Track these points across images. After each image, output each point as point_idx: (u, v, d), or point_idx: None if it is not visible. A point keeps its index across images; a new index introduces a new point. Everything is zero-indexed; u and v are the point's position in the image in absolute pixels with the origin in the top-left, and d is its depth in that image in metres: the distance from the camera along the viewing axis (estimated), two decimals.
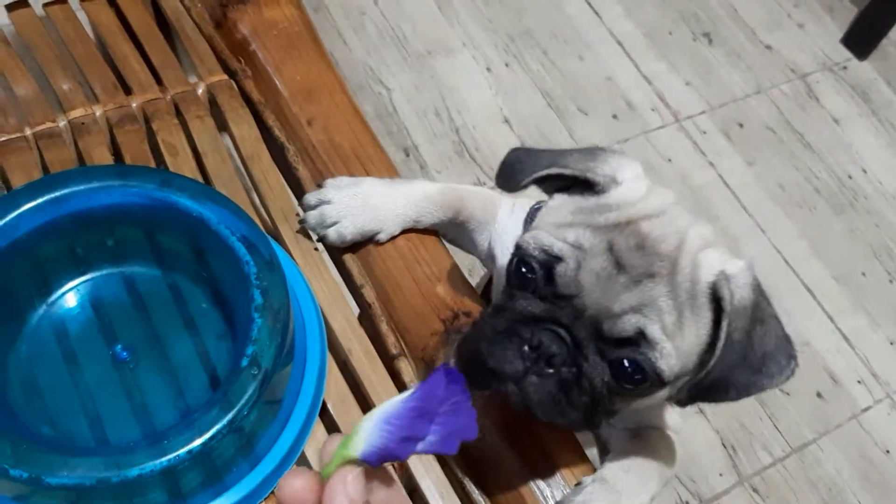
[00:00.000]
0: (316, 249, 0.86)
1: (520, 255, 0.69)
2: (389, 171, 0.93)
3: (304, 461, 0.74)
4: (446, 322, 0.82)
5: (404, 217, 0.85)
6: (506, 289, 0.71)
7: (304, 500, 0.46)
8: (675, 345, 0.65)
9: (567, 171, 0.70)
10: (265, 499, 0.71)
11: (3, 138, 0.87)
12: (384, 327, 0.83)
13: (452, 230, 0.90)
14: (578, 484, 0.74)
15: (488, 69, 1.91)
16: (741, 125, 1.97)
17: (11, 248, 0.71)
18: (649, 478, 0.75)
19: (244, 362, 0.67)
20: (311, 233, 0.86)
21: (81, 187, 0.74)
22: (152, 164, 0.88)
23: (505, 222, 0.86)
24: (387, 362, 0.81)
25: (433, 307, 0.83)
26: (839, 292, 1.77)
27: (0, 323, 0.73)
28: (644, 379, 0.65)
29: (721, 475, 1.51)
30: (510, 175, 0.73)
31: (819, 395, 1.63)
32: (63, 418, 0.71)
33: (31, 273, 0.75)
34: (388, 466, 0.51)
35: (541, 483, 0.76)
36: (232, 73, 0.97)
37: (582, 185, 0.70)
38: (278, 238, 0.86)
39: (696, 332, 0.66)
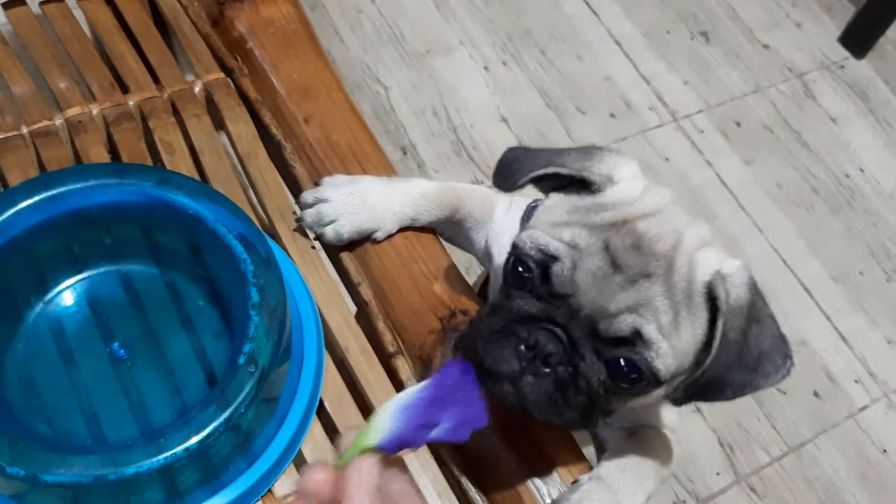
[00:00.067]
0: (313, 248, 0.86)
1: (516, 254, 0.69)
2: (387, 169, 0.93)
3: (300, 459, 0.74)
4: (443, 320, 0.82)
5: (401, 215, 0.85)
6: (502, 288, 0.71)
7: (324, 492, 0.49)
8: (672, 344, 0.65)
9: (564, 171, 0.70)
10: (262, 497, 0.71)
11: (0, 136, 0.87)
12: (381, 325, 0.83)
13: (449, 228, 0.90)
14: (575, 482, 0.74)
15: (486, 68, 1.91)
16: (739, 124, 1.97)
17: (8, 247, 0.71)
18: (646, 476, 0.75)
19: (241, 360, 0.67)
20: (307, 231, 0.86)
21: (78, 185, 0.74)
22: (149, 163, 0.88)
23: (502, 221, 0.86)
24: (384, 360, 0.81)
25: (430, 305, 0.83)
26: (837, 291, 1.77)
27: None
28: (640, 378, 0.66)
29: (718, 474, 1.51)
30: (507, 174, 0.73)
31: (816, 394, 1.63)
32: (60, 416, 0.71)
33: (28, 271, 0.75)
34: (402, 460, 0.52)
35: (538, 482, 0.76)
36: (229, 72, 0.97)
37: (578, 185, 0.70)
38: (275, 236, 0.86)
39: (692, 332, 0.66)
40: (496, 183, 0.74)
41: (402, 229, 0.87)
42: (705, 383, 0.66)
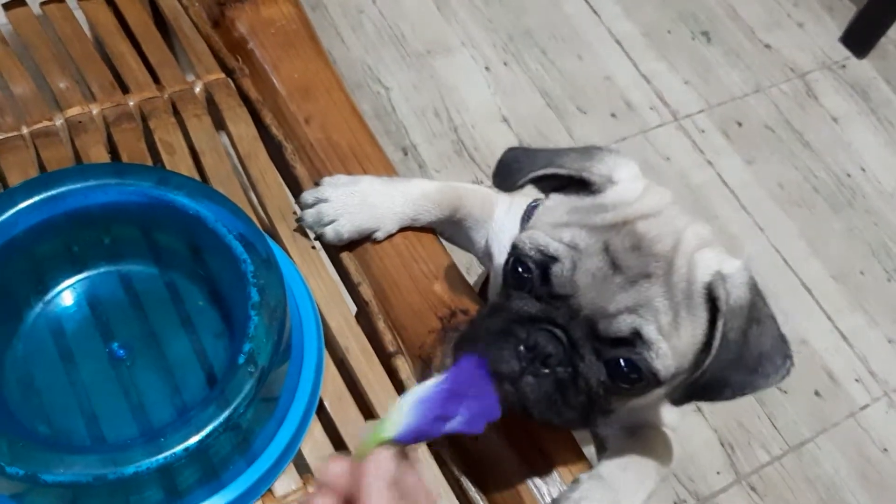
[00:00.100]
0: (313, 248, 0.86)
1: (516, 254, 0.69)
2: (387, 169, 0.93)
3: (300, 459, 0.74)
4: (443, 320, 0.82)
5: (402, 215, 0.85)
6: (502, 288, 0.71)
7: (342, 483, 0.51)
8: (671, 344, 0.65)
9: (563, 171, 0.70)
10: (261, 496, 0.71)
11: (0, 137, 0.87)
12: (381, 325, 0.83)
13: (450, 228, 0.90)
14: (576, 481, 0.74)
15: (487, 68, 1.91)
16: (740, 124, 1.97)
17: (8, 246, 0.71)
18: (646, 475, 0.75)
19: (241, 360, 0.67)
20: (308, 231, 0.86)
21: (78, 185, 0.74)
22: (149, 163, 0.88)
23: (502, 220, 0.86)
24: (384, 360, 0.81)
25: (430, 305, 0.83)
26: (837, 291, 1.77)
27: None
28: (640, 378, 0.66)
29: (719, 473, 1.51)
30: (507, 174, 0.73)
31: (817, 393, 1.63)
32: (60, 416, 0.72)
33: (28, 271, 0.75)
34: (415, 455, 0.54)
35: (538, 481, 0.76)
36: (229, 72, 0.97)
37: (578, 185, 0.70)
38: (275, 236, 0.86)
39: (691, 332, 0.66)
40: (496, 183, 0.74)
41: (403, 229, 0.87)
42: (705, 383, 0.66)
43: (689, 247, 0.67)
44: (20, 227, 0.72)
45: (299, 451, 0.74)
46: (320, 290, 0.83)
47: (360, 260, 0.86)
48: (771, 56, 2.11)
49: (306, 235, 0.86)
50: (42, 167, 0.86)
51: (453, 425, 0.54)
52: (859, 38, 2.14)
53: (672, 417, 0.82)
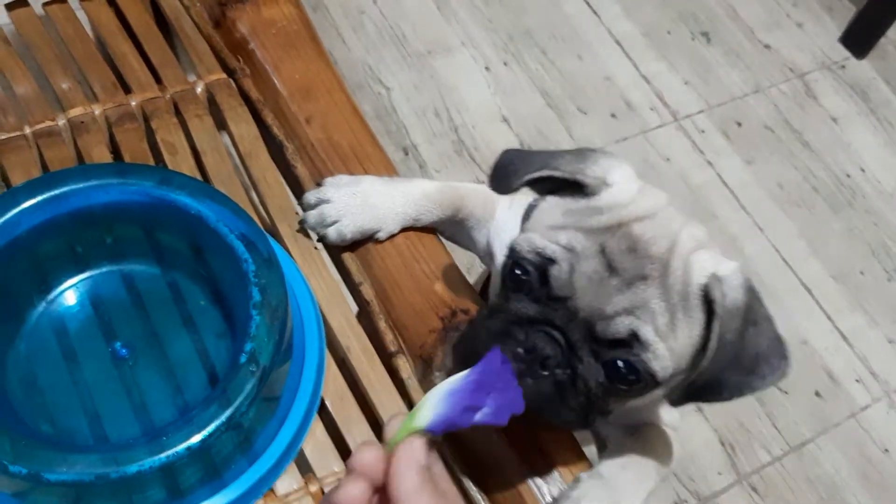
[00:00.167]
0: (315, 248, 0.86)
1: (514, 257, 0.69)
2: (388, 170, 0.93)
3: (302, 458, 0.75)
4: (444, 320, 0.82)
5: (404, 215, 0.86)
6: (501, 290, 0.71)
7: (375, 469, 0.52)
8: (668, 346, 0.65)
9: (557, 173, 0.70)
10: (263, 495, 0.72)
11: (3, 137, 0.87)
12: (382, 325, 0.83)
13: (451, 228, 0.90)
14: (576, 480, 0.74)
15: (487, 68, 1.91)
16: (739, 124, 1.97)
17: (11, 246, 0.71)
18: (646, 474, 0.75)
19: (242, 359, 0.68)
20: (310, 232, 0.86)
21: (80, 185, 0.74)
22: (151, 163, 0.89)
23: (503, 219, 0.86)
24: (385, 360, 0.81)
25: (431, 305, 0.84)
26: (837, 291, 1.77)
27: None
28: (638, 380, 0.66)
29: (720, 474, 1.51)
30: (502, 177, 0.73)
31: (817, 393, 1.63)
32: (62, 416, 0.72)
33: (31, 271, 0.75)
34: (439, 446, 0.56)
35: (539, 481, 0.76)
36: (231, 72, 0.97)
37: (573, 187, 0.71)
38: (277, 236, 0.86)
39: (688, 334, 0.66)
40: (492, 186, 0.74)
41: (404, 229, 0.87)
42: (702, 385, 0.66)
43: (684, 249, 0.67)
44: (23, 226, 0.72)
45: (301, 450, 0.74)
46: (321, 289, 0.84)
47: (361, 260, 0.86)
48: (770, 56, 2.11)
49: (308, 235, 0.86)
50: (45, 167, 0.86)
51: (481, 417, 0.56)
52: (859, 39, 2.15)
53: (673, 416, 0.82)
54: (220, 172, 0.89)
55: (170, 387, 0.74)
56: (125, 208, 0.75)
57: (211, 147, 0.90)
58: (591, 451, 0.83)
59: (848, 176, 1.95)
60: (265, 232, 0.77)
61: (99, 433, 0.71)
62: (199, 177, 0.88)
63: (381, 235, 0.85)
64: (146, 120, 0.92)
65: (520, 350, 0.66)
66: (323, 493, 0.73)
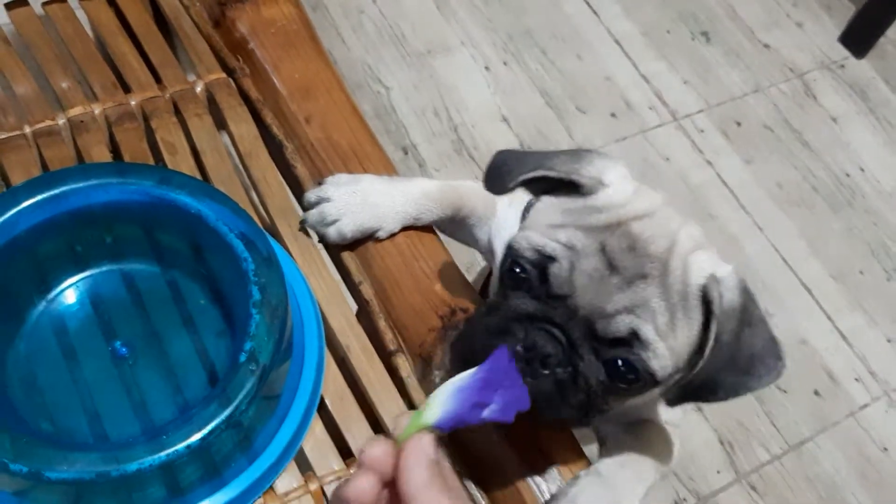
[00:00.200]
0: (315, 247, 0.86)
1: (512, 255, 0.69)
2: (388, 169, 0.93)
3: (301, 456, 0.75)
4: (444, 318, 0.82)
5: (404, 215, 0.86)
6: (499, 288, 0.71)
7: (384, 464, 0.52)
8: (668, 345, 0.65)
9: (552, 174, 0.70)
10: (263, 494, 0.72)
11: (3, 136, 0.87)
12: (382, 324, 0.83)
13: (452, 226, 0.90)
14: (575, 478, 0.74)
15: (487, 68, 1.91)
16: (739, 124, 1.97)
17: (11, 246, 0.72)
18: (645, 472, 0.76)
19: (242, 358, 0.68)
20: (311, 231, 0.86)
21: (80, 185, 0.74)
22: (151, 162, 0.89)
23: (504, 216, 0.86)
24: (384, 359, 0.81)
25: (431, 304, 0.84)
26: (837, 290, 1.77)
27: None
28: (637, 379, 0.66)
29: (719, 472, 1.51)
30: (497, 178, 0.73)
31: (817, 392, 1.63)
32: (62, 415, 0.72)
33: (31, 270, 0.75)
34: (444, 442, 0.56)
35: (538, 480, 0.76)
36: (230, 72, 0.97)
37: (568, 187, 0.71)
38: (276, 235, 0.86)
39: (687, 334, 0.66)
40: (487, 186, 0.74)
41: (404, 228, 0.87)
42: (699, 385, 0.66)
43: (683, 248, 0.67)
44: (23, 226, 0.72)
45: (300, 449, 0.74)
46: (321, 288, 0.84)
47: (361, 259, 0.86)
48: (770, 56, 2.11)
49: (308, 234, 0.87)
50: (44, 166, 0.86)
51: (489, 414, 0.56)
52: (858, 38, 2.15)
53: (674, 414, 0.82)
54: (220, 172, 0.89)
55: (170, 386, 0.74)
56: (125, 208, 0.75)
57: (211, 147, 0.90)
58: (591, 450, 0.84)
59: (847, 175, 1.95)
60: (265, 231, 0.77)
61: (99, 432, 0.71)
62: (198, 176, 0.88)
63: (381, 234, 0.86)
64: (146, 119, 0.92)
65: (519, 348, 0.66)
66: (323, 491, 0.73)
